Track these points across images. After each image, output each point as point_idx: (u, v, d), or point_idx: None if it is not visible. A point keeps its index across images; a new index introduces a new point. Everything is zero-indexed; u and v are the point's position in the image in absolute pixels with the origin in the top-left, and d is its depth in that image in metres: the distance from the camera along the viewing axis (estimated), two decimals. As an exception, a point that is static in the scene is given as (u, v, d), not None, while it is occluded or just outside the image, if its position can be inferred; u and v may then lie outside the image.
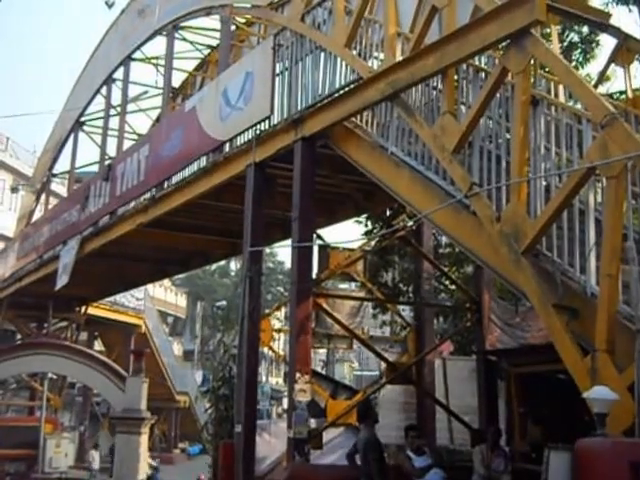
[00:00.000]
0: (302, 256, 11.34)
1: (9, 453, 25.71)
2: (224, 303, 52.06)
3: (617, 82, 13.88)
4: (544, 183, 8.15)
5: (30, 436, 25.48)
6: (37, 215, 28.18)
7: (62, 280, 20.77)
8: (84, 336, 34.56)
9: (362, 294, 16.23)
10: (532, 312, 10.10)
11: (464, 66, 9.31)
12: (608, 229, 6.78)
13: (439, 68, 8.95)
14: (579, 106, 8.34)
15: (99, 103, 23.15)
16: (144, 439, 17.92)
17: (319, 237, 13.77)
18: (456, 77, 9.33)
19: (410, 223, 13.37)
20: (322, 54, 11.62)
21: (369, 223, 17.05)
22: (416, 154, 9.57)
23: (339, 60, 11.19)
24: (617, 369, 6.48)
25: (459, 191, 8.46)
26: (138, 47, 20.43)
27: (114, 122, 21.83)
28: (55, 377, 28.63)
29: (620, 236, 6.74)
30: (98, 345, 37.90)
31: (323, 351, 41.20)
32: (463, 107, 9.34)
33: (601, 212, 7.31)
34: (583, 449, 6.12)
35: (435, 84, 9.71)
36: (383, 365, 15.62)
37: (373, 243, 15.88)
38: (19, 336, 31.57)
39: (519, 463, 11.15)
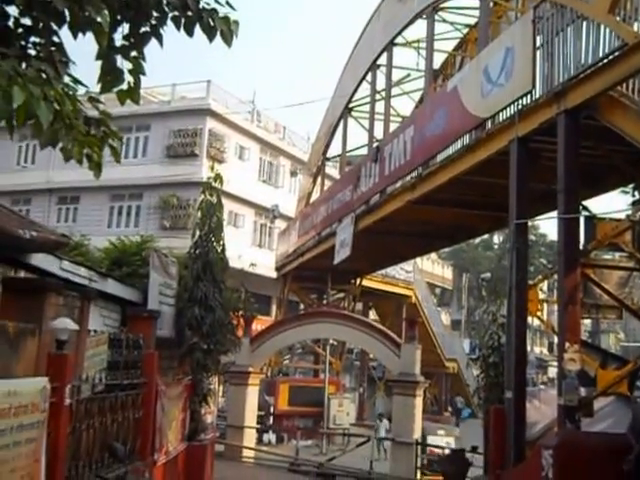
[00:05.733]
0: (568, 228, 10.99)
1: (299, 410, 27.37)
2: (488, 275, 51.34)
3: None
4: None
5: (316, 396, 26.87)
6: (314, 196, 29.46)
7: (342, 254, 21.53)
8: (359, 306, 35.71)
9: (631, 264, 15.27)
10: None
11: None
12: None
13: None
14: None
15: (365, 89, 23.73)
16: (419, 401, 18.23)
17: (585, 208, 13.15)
18: None
19: (682, 191, 12.39)
20: (584, 23, 10.95)
21: (636, 193, 15.95)
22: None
23: (602, 27, 10.47)
24: None
25: None
26: (400, 32, 20.57)
27: (379, 106, 22.24)
28: (335, 343, 29.80)
29: None
30: (372, 314, 38.92)
31: (588, 322, 39.34)
32: None
33: None
34: None
35: None
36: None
37: (641, 212, 14.88)
38: (302, 306, 33.28)
39: None
